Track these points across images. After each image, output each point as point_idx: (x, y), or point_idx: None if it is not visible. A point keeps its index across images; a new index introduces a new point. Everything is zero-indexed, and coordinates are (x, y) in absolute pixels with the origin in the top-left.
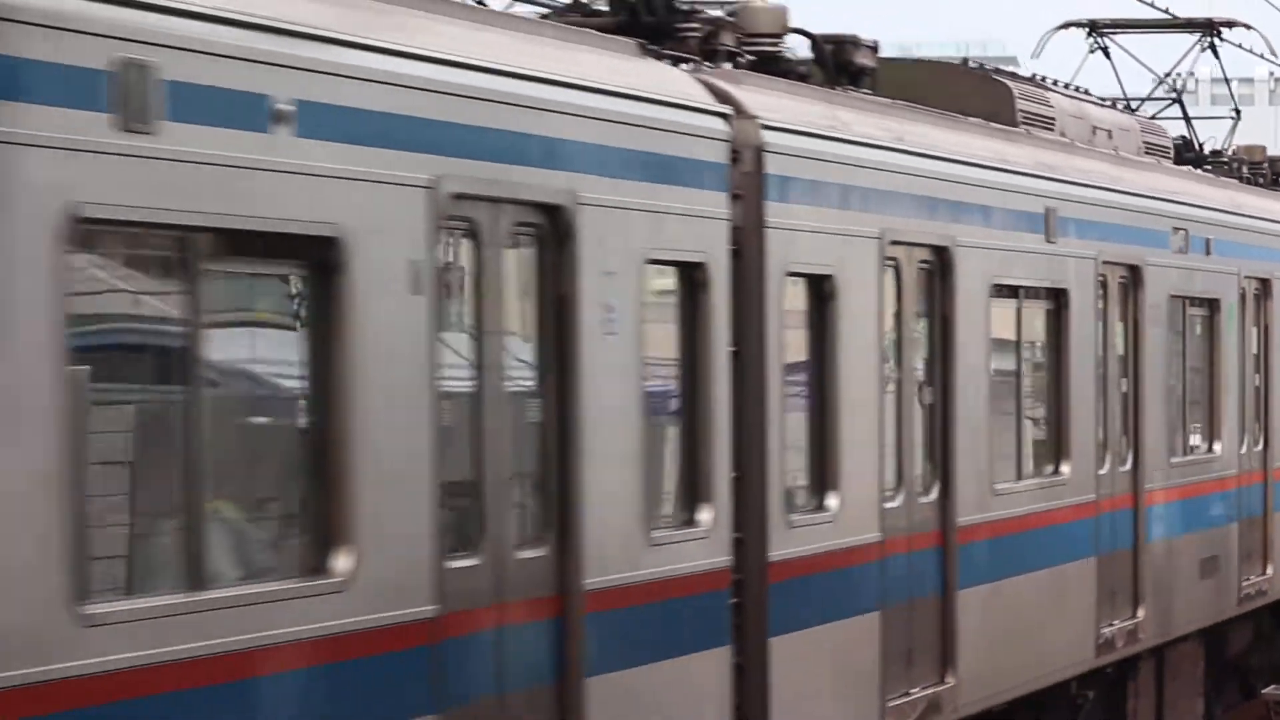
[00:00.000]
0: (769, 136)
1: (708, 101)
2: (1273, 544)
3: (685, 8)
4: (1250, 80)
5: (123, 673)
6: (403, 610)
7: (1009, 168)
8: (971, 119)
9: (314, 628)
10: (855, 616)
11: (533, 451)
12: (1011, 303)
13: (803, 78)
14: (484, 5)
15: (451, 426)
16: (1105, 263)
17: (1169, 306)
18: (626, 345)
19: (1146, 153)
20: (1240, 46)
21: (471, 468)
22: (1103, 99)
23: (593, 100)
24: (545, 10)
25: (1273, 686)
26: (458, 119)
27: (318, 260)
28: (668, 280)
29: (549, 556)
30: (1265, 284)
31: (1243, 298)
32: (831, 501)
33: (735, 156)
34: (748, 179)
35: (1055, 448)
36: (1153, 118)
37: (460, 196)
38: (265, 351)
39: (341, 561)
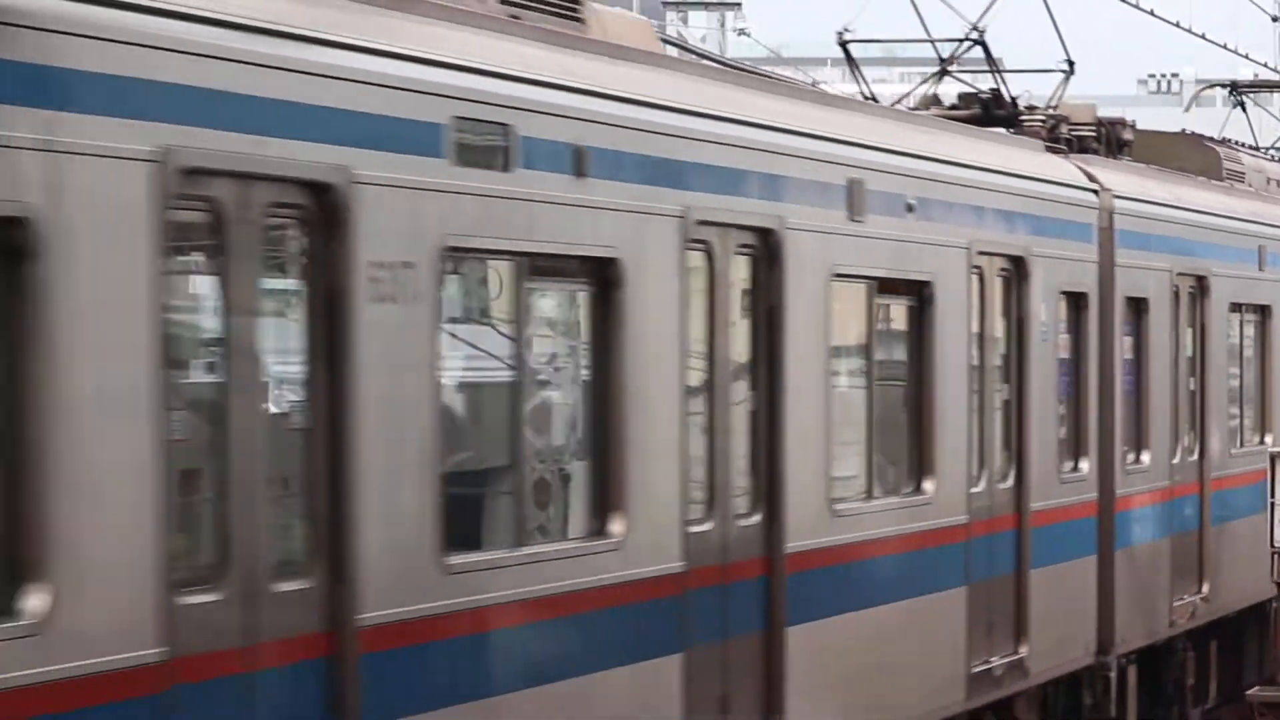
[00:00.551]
0: (1119, 204)
1: (1084, 181)
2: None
3: (1021, 102)
4: (1236, 82)
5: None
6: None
7: (1232, 215)
8: (1216, 182)
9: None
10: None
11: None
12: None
13: (1095, 152)
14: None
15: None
16: None
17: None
18: (1050, 349)
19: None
20: (1225, 47)
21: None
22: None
23: (995, 180)
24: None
25: (1257, 688)
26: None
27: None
28: (1065, 304)
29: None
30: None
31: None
32: (1146, 457)
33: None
34: (1104, 233)
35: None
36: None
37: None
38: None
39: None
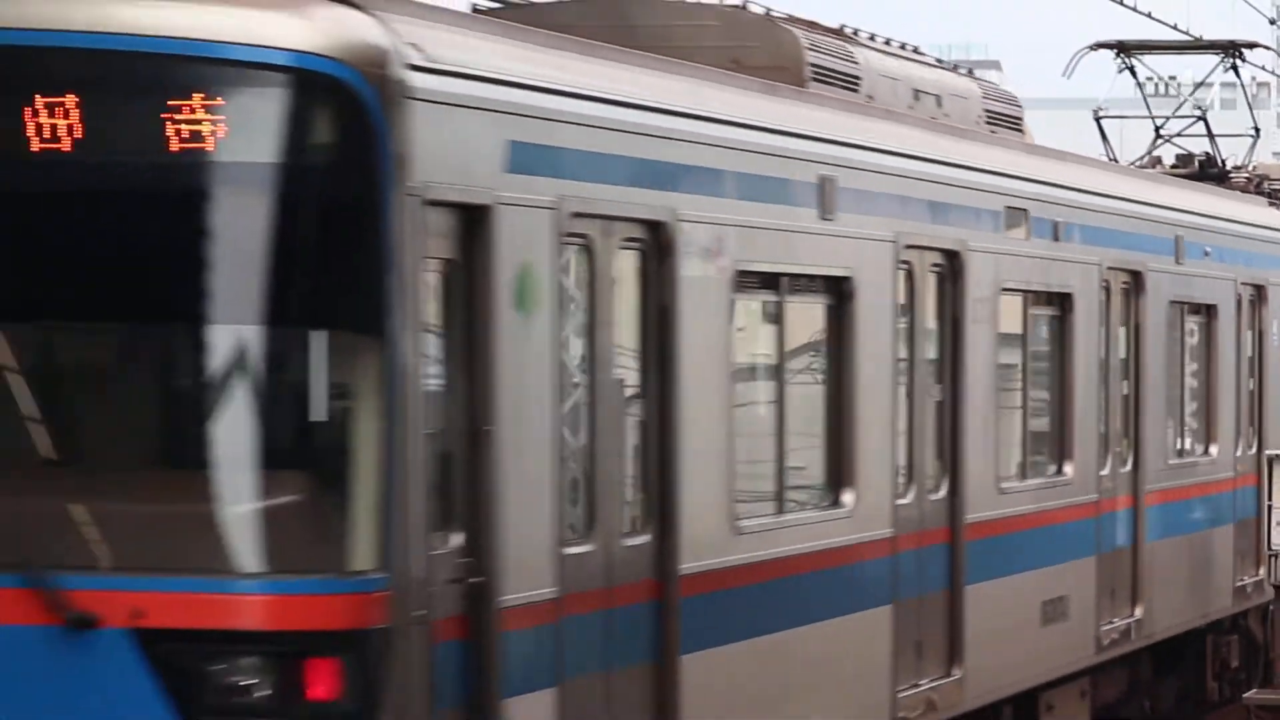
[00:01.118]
0: None
1: None
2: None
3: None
4: (1234, 85)
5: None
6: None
7: None
8: None
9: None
10: None
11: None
12: None
13: None
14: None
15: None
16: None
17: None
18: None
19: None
20: (1258, 65)
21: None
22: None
23: (1249, 230)
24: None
25: (1254, 691)
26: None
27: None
28: None
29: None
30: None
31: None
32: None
33: None
34: None
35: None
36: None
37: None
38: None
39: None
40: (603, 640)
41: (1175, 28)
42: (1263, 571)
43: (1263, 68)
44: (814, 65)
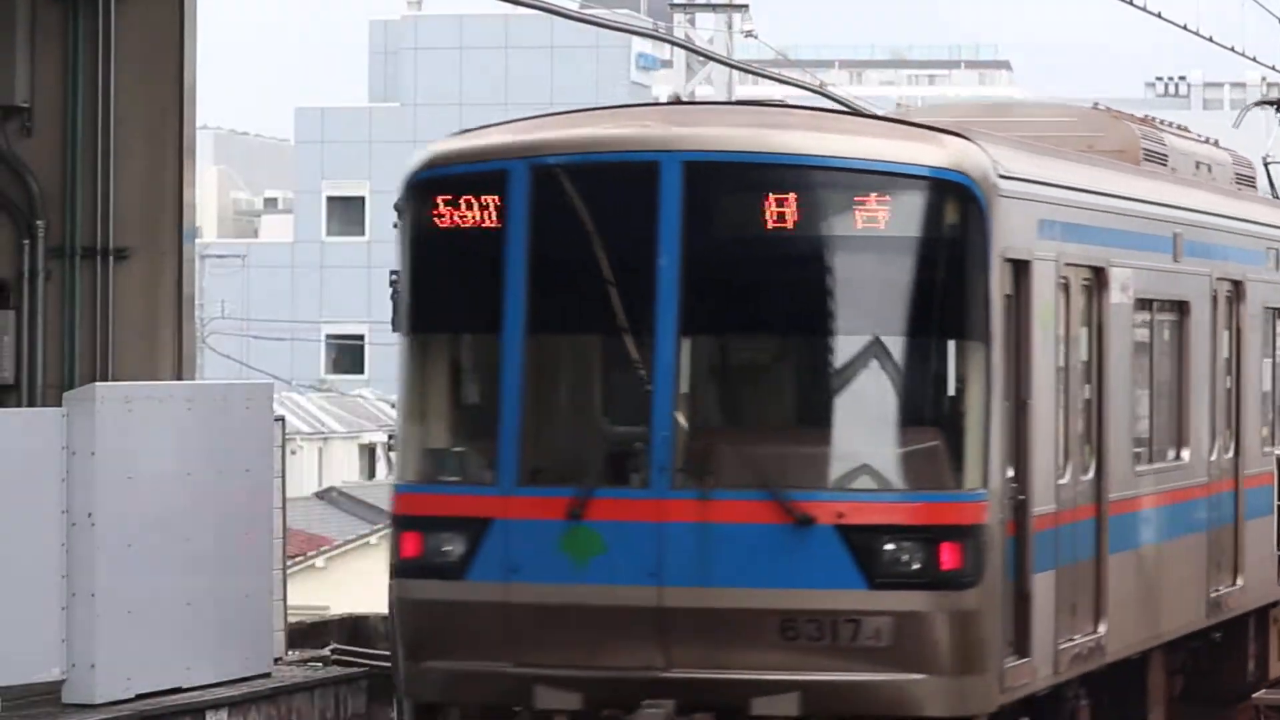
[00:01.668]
0: None
1: None
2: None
3: None
4: (1243, 85)
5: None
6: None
7: None
8: None
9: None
10: None
11: None
12: None
13: None
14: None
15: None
16: None
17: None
18: None
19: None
20: (1233, 50)
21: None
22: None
23: None
24: None
25: (1263, 690)
26: None
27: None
28: None
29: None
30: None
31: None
32: None
33: None
34: None
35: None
36: None
37: None
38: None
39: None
40: (1071, 541)
41: (1185, 28)
42: None
43: (1273, 67)
44: (1144, 149)
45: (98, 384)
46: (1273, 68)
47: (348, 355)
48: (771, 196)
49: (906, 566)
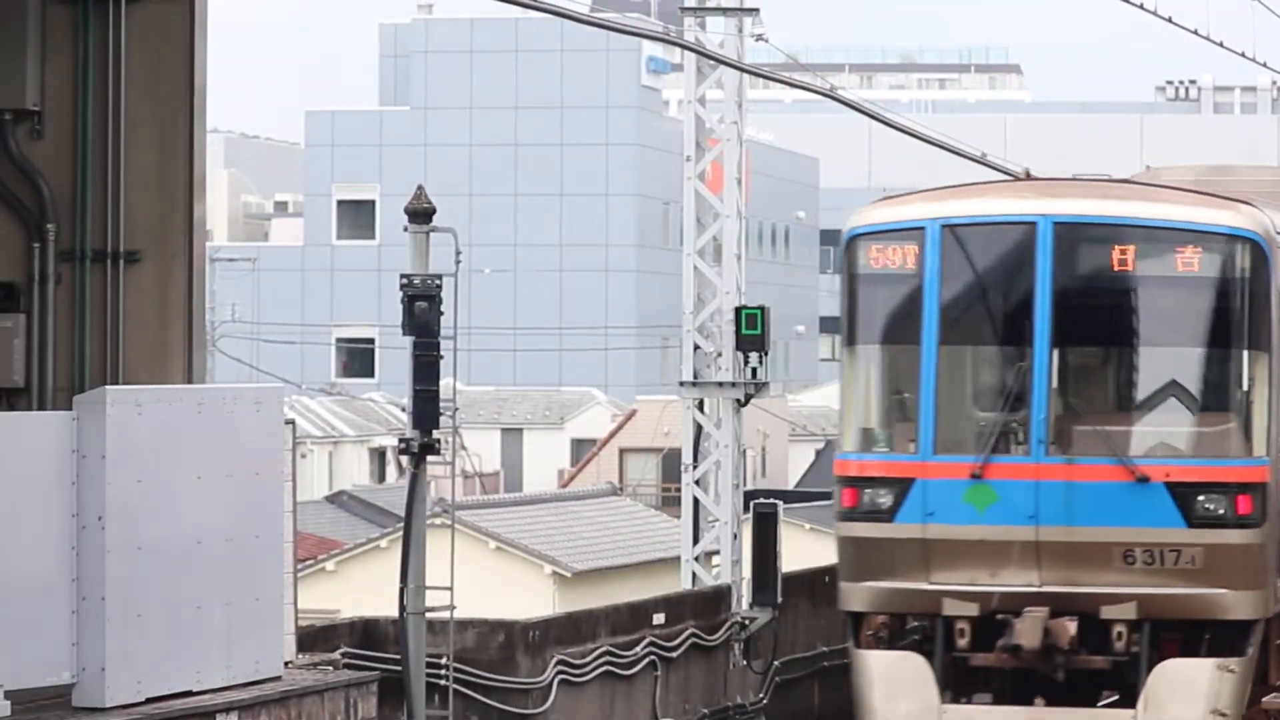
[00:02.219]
0: None
1: None
2: None
3: None
4: (1254, 89)
5: None
6: None
7: None
8: None
9: None
10: None
11: None
12: None
13: None
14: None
15: None
16: None
17: None
18: None
19: None
20: (1244, 55)
21: None
22: None
23: None
24: None
25: (1274, 695)
26: None
27: None
28: None
29: None
30: None
31: None
32: None
33: None
34: None
35: None
36: None
37: None
38: None
39: None
40: None
41: (1196, 33)
42: None
43: (1253, 59)
44: None
45: (108, 387)
46: None
47: (358, 359)
48: (1116, 247)
49: (1214, 512)
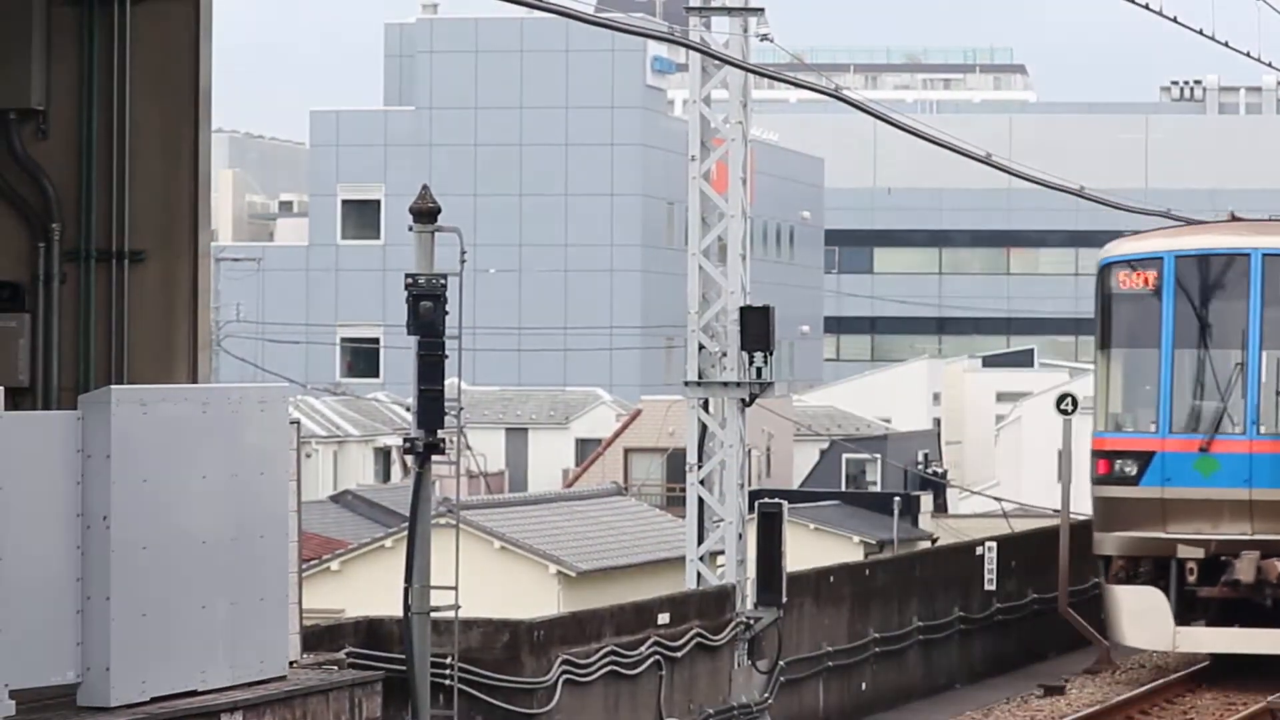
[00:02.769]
0: None
1: None
2: None
3: None
4: (1259, 89)
5: None
6: None
7: None
8: None
9: None
10: None
11: None
12: None
13: None
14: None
15: None
16: None
17: None
18: None
19: None
20: (1249, 54)
21: None
22: None
23: None
24: None
25: (1277, 695)
26: None
27: None
28: None
29: None
30: None
31: None
32: None
33: None
34: None
35: None
36: None
37: None
38: None
39: None
40: None
41: (1201, 33)
42: None
43: (1259, 59)
44: None
45: (112, 387)
46: None
47: (362, 358)
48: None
49: None
